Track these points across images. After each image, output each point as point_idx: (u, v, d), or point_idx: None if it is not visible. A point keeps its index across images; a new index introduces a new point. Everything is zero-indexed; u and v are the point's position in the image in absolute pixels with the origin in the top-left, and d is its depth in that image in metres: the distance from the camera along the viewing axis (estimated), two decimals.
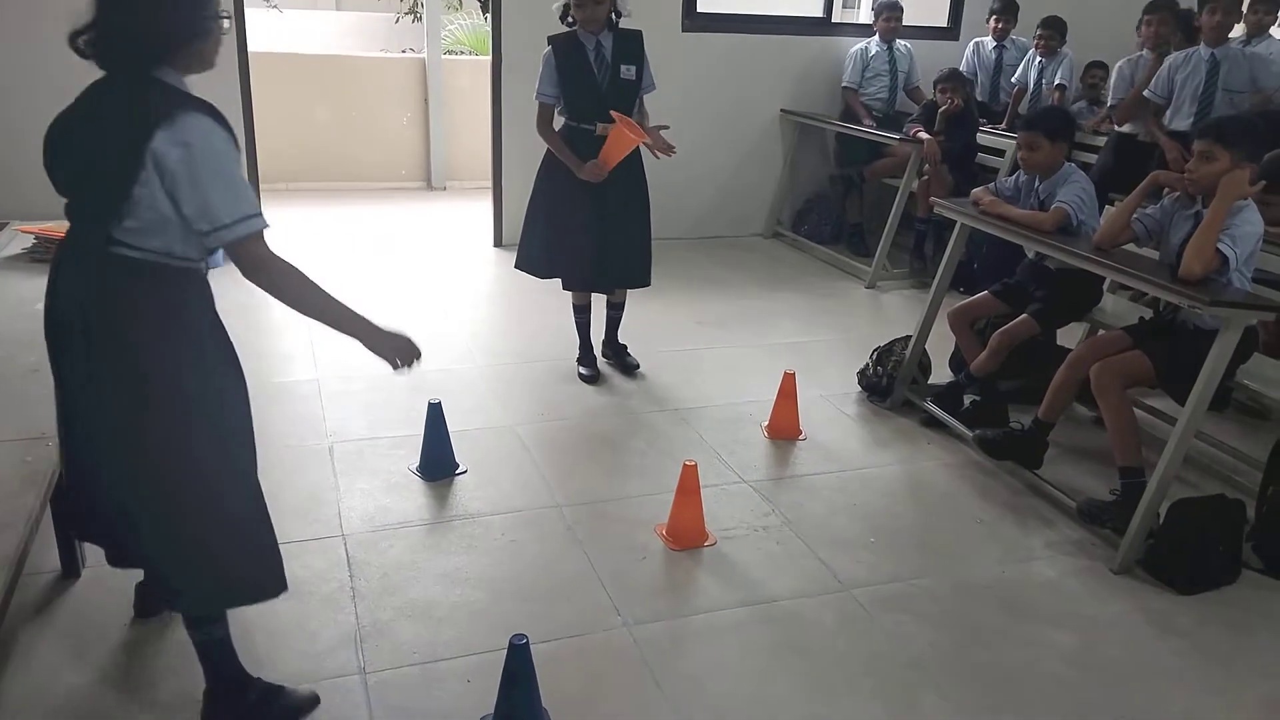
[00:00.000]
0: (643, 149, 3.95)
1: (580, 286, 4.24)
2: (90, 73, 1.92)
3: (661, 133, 4.01)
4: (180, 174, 1.83)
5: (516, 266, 4.20)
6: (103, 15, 1.86)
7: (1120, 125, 5.57)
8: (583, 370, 4.31)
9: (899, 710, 2.43)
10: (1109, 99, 5.81)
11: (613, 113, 3.74)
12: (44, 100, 2.21)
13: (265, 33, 9.09)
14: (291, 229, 6.51)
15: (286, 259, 2.01)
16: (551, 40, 3.93)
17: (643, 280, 4.23)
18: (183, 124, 1.85)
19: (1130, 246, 3.48)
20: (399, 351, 2.17)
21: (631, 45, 3.93)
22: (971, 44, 6.85)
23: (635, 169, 4.03)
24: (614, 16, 3.87)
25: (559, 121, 4.02)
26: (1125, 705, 2.50)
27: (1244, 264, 3.08)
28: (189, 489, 2.01)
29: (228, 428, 2.07)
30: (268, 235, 1.97)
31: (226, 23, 2.02)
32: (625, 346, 4.44)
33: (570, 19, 3.88)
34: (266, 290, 2.00)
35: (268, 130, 6.33)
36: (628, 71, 3.91)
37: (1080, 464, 3.74)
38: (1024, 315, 3.85)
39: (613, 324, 4.43)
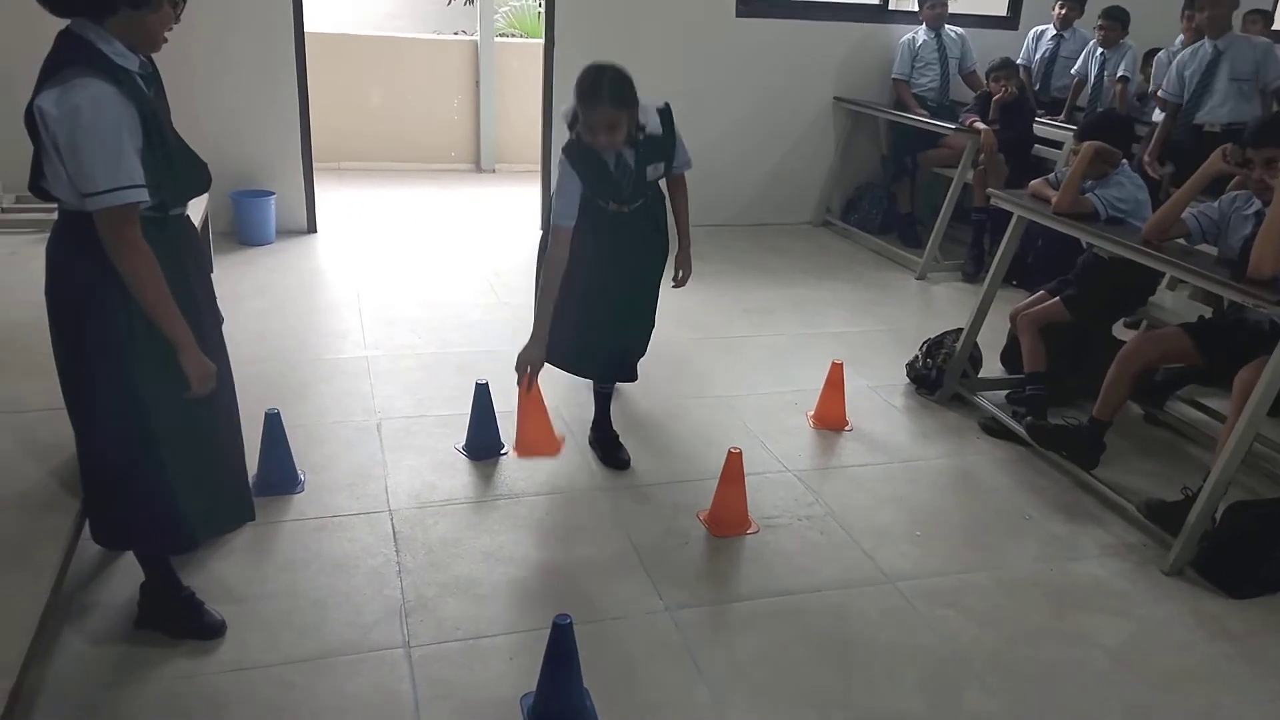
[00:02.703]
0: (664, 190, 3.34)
1: (605, 378, 3.55)
2: None
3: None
4: (60, 134, 1.90)
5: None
6: None
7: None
8: (600, 449, 3.53)
9: (942, 705, 2.41)
10: (1150, 88, 5.84)
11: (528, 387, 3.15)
12: None
13: (320, 12, 9.14)
14: (342, 208, 6.59)
15: (146, 248, 2.01)
16: (566, 151, 3.09)
17: (629, 375, 3.52)
18: (76, 85, 1.89)
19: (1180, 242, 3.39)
20: (202, 378, 2.17)
21: (660, 145, 3.15)
22: (1033, 31, 6.73)
23: (661, 230, 3.34)
24: (636, 133, 3.07)
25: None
26: (1173, 708, 2.46)
27: None
28: (88, 425, 2.22)
29: (129, 377, 2.13)
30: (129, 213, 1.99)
31: (177, 8, 2.10)
32: (617, 436, 3.55)
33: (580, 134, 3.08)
34: (118, 268, 2.01)
35: (320, 109, 6.38)
36: (655, 170, 3.18)
37: (1132, 462, 3.67)
38: (1054, 299, 3.80)
39: (603, 404, 3.59)
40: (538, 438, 3.41)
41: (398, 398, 3.83)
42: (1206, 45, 5.25)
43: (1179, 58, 5.38)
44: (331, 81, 7.54)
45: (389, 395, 3.84)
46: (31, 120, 1.94)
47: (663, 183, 3.30)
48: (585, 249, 3.15)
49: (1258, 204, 3.16)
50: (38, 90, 1.93)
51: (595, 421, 3.57)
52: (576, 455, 3.49)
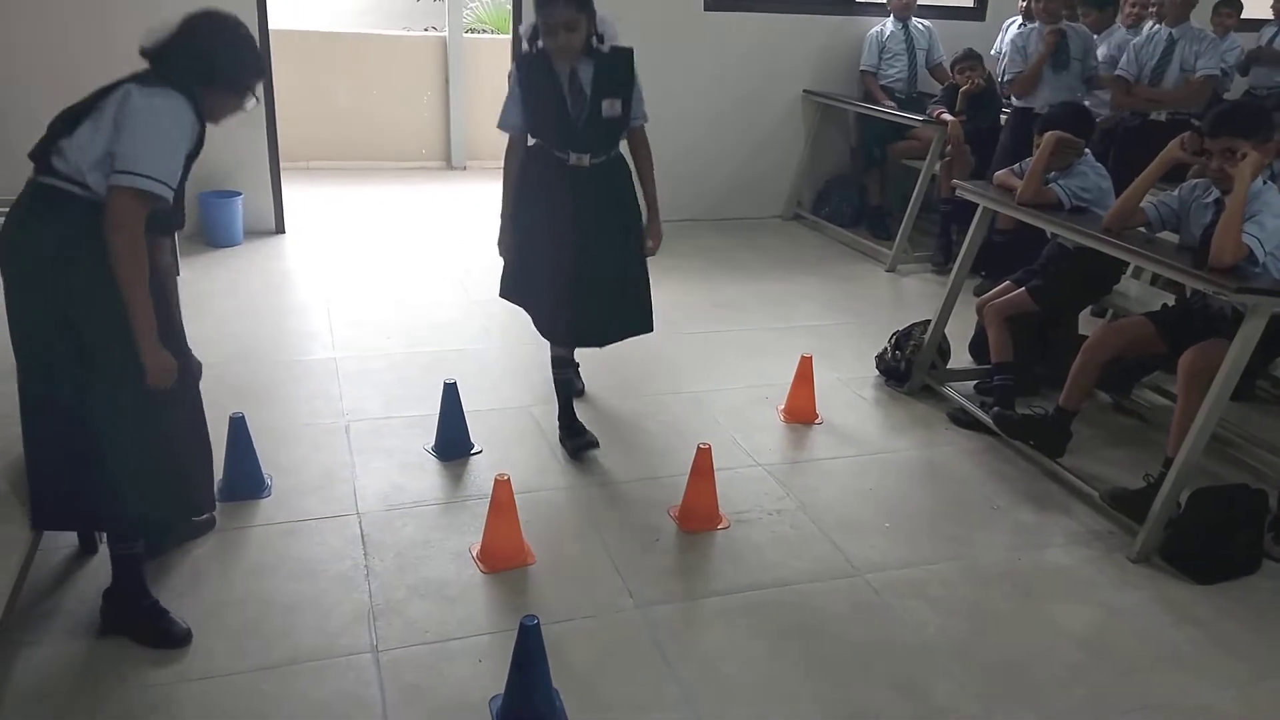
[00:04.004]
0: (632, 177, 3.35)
1: (563, 341, 3.44)
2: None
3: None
4: (131, 117, 2.09)
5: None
6: (182, 37, 2.24)
7: (1019, 99, 5.63)
8: (569, 442, 3.48)
9: (910, 697, 2.42)
10: (1000, 73, 5.90)
11: None
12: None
13: (286, 9, 9.06)
14: (311, 208, 6.53)
15: (140, 242, 2.13)
16: (518, 62, 3.16)
17: (645, 325, 3.42)
18: (169, 94, 2.15)
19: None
20: (161, 372, 2.24)
21: (618, 72, 3.13)
22: (1007, 21, 6.77)
23: (626, 195, 3.32)
24: (594, 41, 3.07)
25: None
26: (1140, 694, 2.48)
27: (1277, 249, 3.01)
28: (98, 411, 2.24)
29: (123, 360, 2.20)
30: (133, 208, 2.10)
31: (253, 104, 2.37)
32: (583, 425, 3.52)
33: (539, 44, 3.10)
34: (111, 247, 2.11)
35: (288, 108, 6.32)
36: (611, 107, 3.12)
37: (1099, 451, 3.70)
38: (1020, 290, 3.82)
39: (564, 394, 3.54)
40: (506, 549, 2.86)
41: (366, 399, 3.80)
42: (1162, 31, 5.28)
43: (1134, 41, 5.43)
44: (299, 80, 7.47)
45: (357, 397, 3.81)
46: (105, 93, 2.13)
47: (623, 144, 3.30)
48: (542, 206, 3.25)
49: (1217, 192, 3.19)
50: (126, 80, 2.15)
51: (559, 414, 3.54)
52: (547, 454, 3.48)
